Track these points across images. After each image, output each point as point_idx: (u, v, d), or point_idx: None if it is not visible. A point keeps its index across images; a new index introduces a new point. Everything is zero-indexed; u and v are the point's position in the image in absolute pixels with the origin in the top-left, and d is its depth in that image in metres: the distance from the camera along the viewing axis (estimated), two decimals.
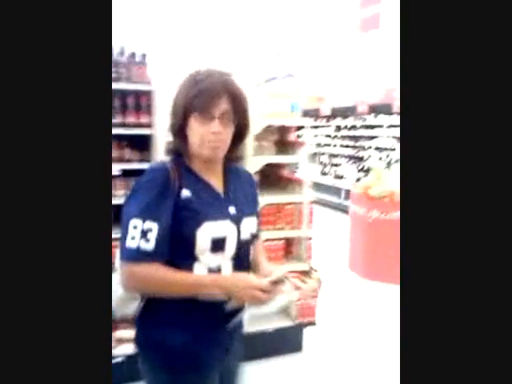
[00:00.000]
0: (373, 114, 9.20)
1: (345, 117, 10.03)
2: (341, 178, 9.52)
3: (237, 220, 1.38)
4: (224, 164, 1.45)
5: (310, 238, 3.36)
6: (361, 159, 9.26)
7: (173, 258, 1.28)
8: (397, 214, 4.88)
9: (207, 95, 1.27)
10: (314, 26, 10.41)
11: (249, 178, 1.57)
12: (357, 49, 10.01)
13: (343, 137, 9.95)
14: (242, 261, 1.40)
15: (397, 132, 8.48)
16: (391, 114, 8.67)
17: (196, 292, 1.27)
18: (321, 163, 10.63)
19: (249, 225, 1.42)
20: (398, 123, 8.32)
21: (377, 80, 9.40)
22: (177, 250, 1.29)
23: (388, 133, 8.66)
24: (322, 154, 10.61)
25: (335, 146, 10.15)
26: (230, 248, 1.36)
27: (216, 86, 1.29)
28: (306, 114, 10.54)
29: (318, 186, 9.80)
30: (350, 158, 9.66)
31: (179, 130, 1.33)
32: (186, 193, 1.31)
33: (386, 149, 8.61)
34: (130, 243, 1.22)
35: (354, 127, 9.65)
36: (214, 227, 1.31)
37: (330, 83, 11.08)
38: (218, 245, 1.32)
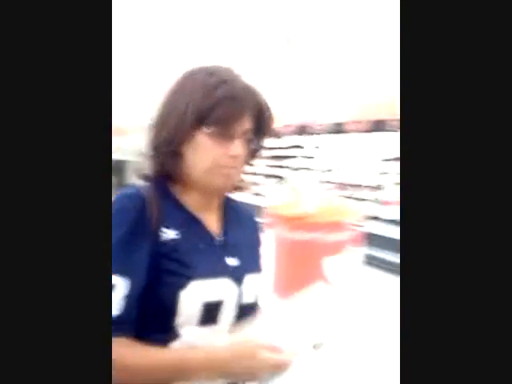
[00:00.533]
0: (296, 135, 9.31)
1: (270, 136, 10.07)
2: (264, 197, 9.52)
3: (238, 276, 0.98)
4: (222, 196, 1.07)
5: None
6: (283, 179, 9.32)
7: (139, 332, 0.86)
8: (311, 235, 4.87)
9: (232, 106, 0.91)
10: (240, 44, 10.45)
11: (252, 217, 1.16)
12: (283, 68, 10.13)
13: (267, 156, 9.99)
14: None
15: (319, 152, 8.59)
16: (313, 134, 8.80)
17: (182, 378, 0.84)
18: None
19: (253, 285, 1.02)
20: (321, 143, 8.46)
21: (301, 100, 9.53)
22: (146, 319, 0.87)
23: (311, 153, 8.77)
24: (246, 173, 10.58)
25: (259, 165, 10.17)
26: (227, 318, 0.95)
27: (243, 95, 0.93)
28: None
29: None
30: (275, 177, 9.70)
31: (175, 147, 0.94)
32: (168, 234, 0.91)
33: (308, 169, 8.71)
34: None
35: (277, 147, 9.71)
36: (207, 287, 0.91)
37: None
38: (210, 314, 0.92)
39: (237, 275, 0.98)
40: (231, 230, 1.04)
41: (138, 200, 0.90)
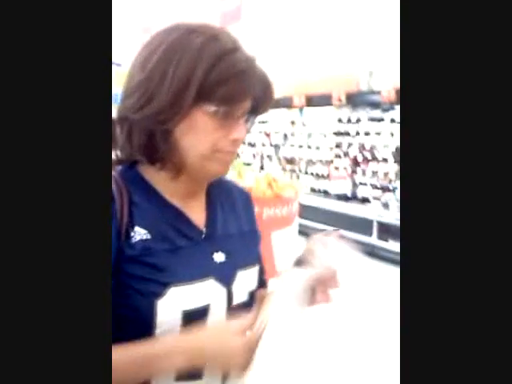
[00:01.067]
0: None
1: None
2: None
3: (227, 276, 0.84)
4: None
5: None
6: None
7: (118, 342, 0.73)
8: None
9: (241, 83, 0.76)
10: (174, 19, 10.24)
11: (245, 199, 1.00)
12: None
13: None
14: None
15: (266, 127, 8.55)
16: None
17: (152, 367, 0.73)
18: None
19: (246, 281, 0.88)
20: (268, 119, 8.41)
21: None
22: (124, 330, 0.75)
23: (259, 128, 8.72)
24: None
25: None
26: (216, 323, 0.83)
27: (248, 69, 0.78)
28: None
29: None
30: None
31: (170, 126, 0.77)
32: (140, 233, 0.78)
33: (255, 145, 8.67)
34: None
35: None
36: (188, 293, 0.79)
37: None
38: (194, 322, 0.78)
39: (225, 273, 0.84)
40: (219, 218, 0.89)
41: None
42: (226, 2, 8.92)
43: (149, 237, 0.79)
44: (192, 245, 0.83)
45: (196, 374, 0.79)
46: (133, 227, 0.78)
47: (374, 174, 6.36)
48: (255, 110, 0.84)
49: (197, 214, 0.86)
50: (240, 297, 0.86)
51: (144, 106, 0.76)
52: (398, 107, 6.20)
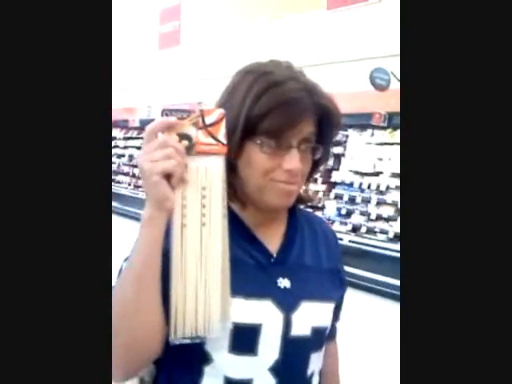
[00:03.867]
0: None
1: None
2: None
3: (288, 302, 0.83)
4: (290, 209, 0.92)
5: None
6: None
7: (170, 359, 0.78)
8: None
9: (285, 113, 0.77)
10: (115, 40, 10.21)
11: (330, 236, 0.99)
12: (158, 65, 10.08)
13: None
14: (293, 375, 0.83)
15: None
16: None
17: (145, 246, 0.72)
18: (133, 175, 10.46)
19: (311, 314, 0.85)
20: None
21: (181, 96, 9.57)
22: (177, 346, 0.74)
23: None
24: (134, 166, 10.44)
25: None
26: (268, 349, 0.81)
27: (298, 98, 0.78)
28: (115, 125, 10.42)
29: (130, 199, 9.64)
30: None
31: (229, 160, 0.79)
32: None
33: None
34: None
35: None
36: (241, 307, 0.78)
37: (138, 96, 11.01)
38: (243, 340, 0.79)
39: (286, 299, 0.83)
40: (295, 248, 0.89)
41: None
42: (164, 26, 8.99)
43: None
44: (258, 266, 0.84)
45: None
46: None
47: (305, 192, 6.69)
48: (320, 138, 0.85)
49: (272, 241, 0.87)
50: (300, 329, 0.83)
51: None
52: None
